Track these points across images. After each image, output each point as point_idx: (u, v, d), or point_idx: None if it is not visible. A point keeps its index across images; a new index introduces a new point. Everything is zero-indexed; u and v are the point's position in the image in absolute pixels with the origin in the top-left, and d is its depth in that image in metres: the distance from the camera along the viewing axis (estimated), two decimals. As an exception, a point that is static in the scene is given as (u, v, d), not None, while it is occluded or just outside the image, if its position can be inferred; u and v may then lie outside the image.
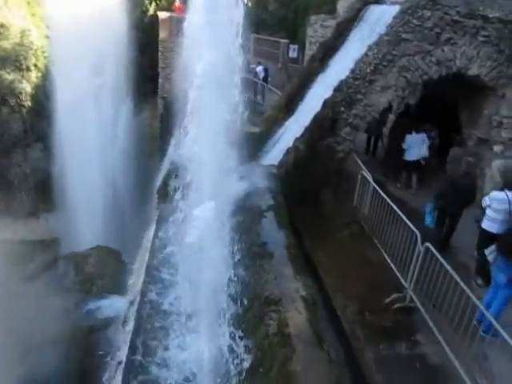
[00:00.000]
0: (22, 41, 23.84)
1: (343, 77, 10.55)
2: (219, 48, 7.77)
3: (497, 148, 10.87)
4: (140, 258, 10.71)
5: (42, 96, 23.69)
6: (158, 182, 13.17)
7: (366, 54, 10.33)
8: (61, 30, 19.41)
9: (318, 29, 20.70)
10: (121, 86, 20.51)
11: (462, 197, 8.63)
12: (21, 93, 24.12)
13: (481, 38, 10.46)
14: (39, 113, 24.36)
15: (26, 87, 24.13)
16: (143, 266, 8.88)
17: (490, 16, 10.31)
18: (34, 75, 25.47)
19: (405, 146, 11.53)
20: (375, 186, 8.93)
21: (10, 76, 23.23)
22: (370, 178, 9.25)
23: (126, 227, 18.60)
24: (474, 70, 10.66)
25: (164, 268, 7.91)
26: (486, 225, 7.58)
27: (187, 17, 9.55)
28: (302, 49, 24.96)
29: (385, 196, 8.48)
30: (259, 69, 21.83)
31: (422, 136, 11.52)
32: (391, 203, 8.19)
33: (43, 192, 22.80)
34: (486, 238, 7.54)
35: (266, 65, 23.01)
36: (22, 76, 24.41)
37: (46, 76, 23.67)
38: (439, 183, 9.46)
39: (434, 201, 8.95)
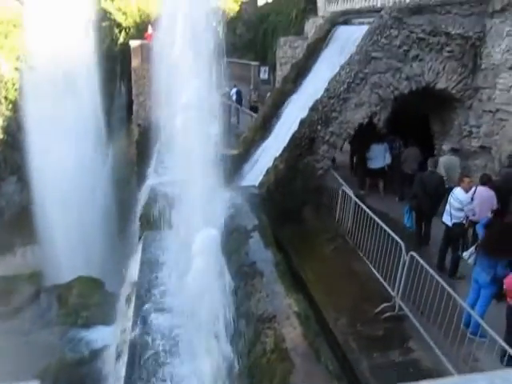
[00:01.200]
0: (-9, 74, 23.72)
1: (317, 96, 10.89)
2: (200, 76, 7.96)
3: (445, 146, 11.63)
4: (126, 287, 10.62)
5: (14, 128, 23.45)
6: (139, 209, 13.10)
7: (338, 74, 10.71)
8: (32, 62, 19.35)
9: (287, 50, 21.24)
10: (95, 114, 20.45)
11: (430, 194, 9.36)
12: (-8, 126, 23.87)
13: (446, 54, 10.99)
14: (12, 145, 24.09)
15: (-2, 121, 23.93)
16: (132, 297, 8.82)
17: (452, 33, 10.85)
18: (4, 108, 25.27)
19: (371, 155, 12.33)
20: (357, 201, 9.21)
21: (-19, 110, 22.96)
22: (351, 193, 9.52)
23: (107, 256, 18.36)
24: (441, 84, 11.16)
25: (155, 297, 7.90)
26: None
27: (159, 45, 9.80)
28: (272, 70, 25.48)
29: (368, 210, 8.75)
30: (233, 92, 22.19)
31: (385, 145, 12.44)
32: (374, 217, 8.47)
33: (19, 226, 22.40)
34: (445, 231, 8.79)
35: (239, 87, 23.38)
36: (-6, 109, 24.21)
37: (16, 108, 23.45)
38: (412, 185, 10.03)
39: (408, 202, 9.93)
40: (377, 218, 8.41)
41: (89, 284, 14.98)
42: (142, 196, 13.55)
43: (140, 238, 10.85)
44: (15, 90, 24.80)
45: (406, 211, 10.05)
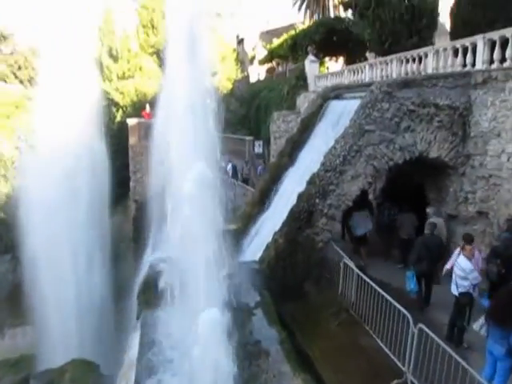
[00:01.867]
0: (-10, 153, 24.23)
1: (314, 169, 11.07)
2: (199, 151, 8.11)
3: (429, 210, 11.82)
4: (125, 370, 10.15)
5: (11, 206, 23.46)
6: (137, 287, 12.79)
7: (333, 147, 10.96)
8: (33, 141, 19.79)
9: (280, 124, 21.87)
10: (93, 193, 20.57)
11: (433, 256, 9.63)
12: (-11, 205, 24.00)
13: (436, 124, 11.35)
14: (7, 223, 24.00)
15: (-5, 199, 24.11)
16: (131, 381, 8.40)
17: (440, 104, 11.27)
18: (2, 186, 25.53)
19: (352, 223, 12.40)
20: (361, 273, 9.07)
21: (-21, 188, 23.18)
22: (353, 266, 9.40)
23: (104, 336, 17.75)
24: (434, 153, 11.43)
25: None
26: None
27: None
28: (266, 144, 26.07)
29: (372, 283, 8.58)
30: (229, 167, 22.63)
31: (366, 212, 12.58)
32: (379, 289, 8.28)
33: (10, 305, 21.82)
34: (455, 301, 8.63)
35: (233, 162, 23.83)
36: (-9, 188, 24.50)
37: (14, 186, 23.65)
38: (413, 249, 10.02)
39: (412, 267, 9.80)
40: (381, 291, 8.23)
41: (83, 367, 14.26)
42: (141, 273, 13.30)
43: (138, 317, 10.52)
44: (14, 168, 25.21)
45: (412, 276, 9.73)
